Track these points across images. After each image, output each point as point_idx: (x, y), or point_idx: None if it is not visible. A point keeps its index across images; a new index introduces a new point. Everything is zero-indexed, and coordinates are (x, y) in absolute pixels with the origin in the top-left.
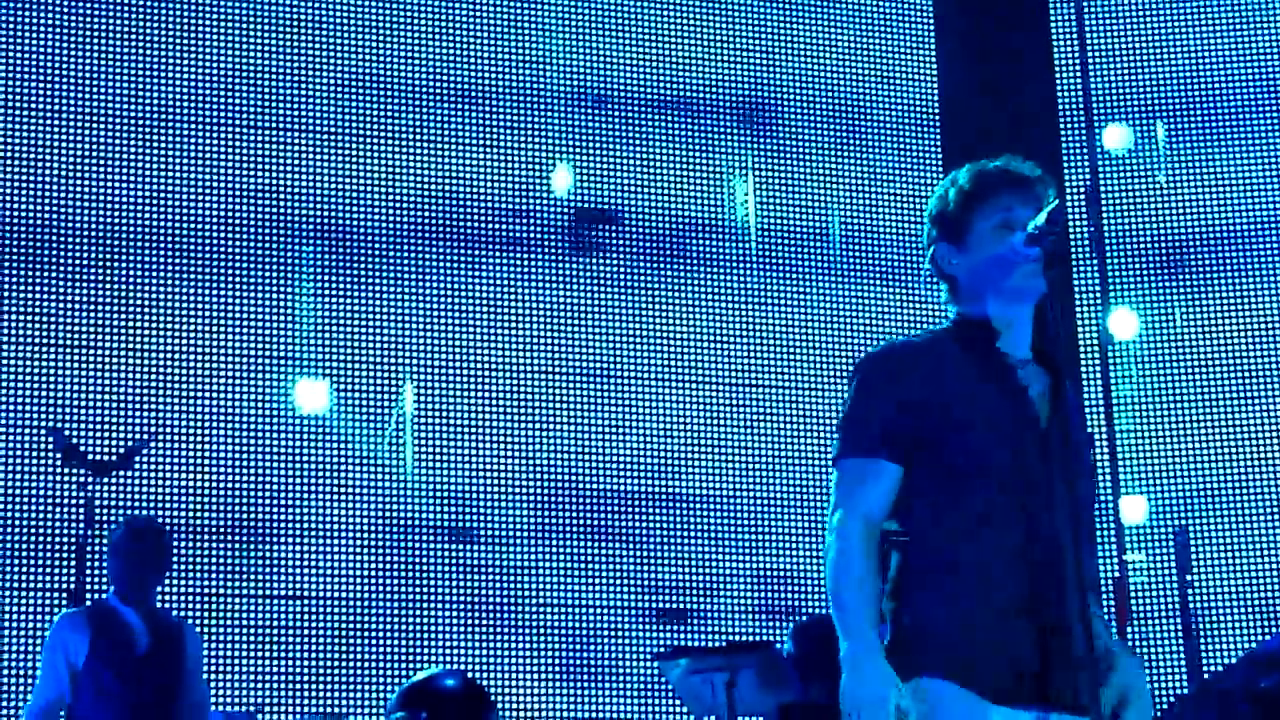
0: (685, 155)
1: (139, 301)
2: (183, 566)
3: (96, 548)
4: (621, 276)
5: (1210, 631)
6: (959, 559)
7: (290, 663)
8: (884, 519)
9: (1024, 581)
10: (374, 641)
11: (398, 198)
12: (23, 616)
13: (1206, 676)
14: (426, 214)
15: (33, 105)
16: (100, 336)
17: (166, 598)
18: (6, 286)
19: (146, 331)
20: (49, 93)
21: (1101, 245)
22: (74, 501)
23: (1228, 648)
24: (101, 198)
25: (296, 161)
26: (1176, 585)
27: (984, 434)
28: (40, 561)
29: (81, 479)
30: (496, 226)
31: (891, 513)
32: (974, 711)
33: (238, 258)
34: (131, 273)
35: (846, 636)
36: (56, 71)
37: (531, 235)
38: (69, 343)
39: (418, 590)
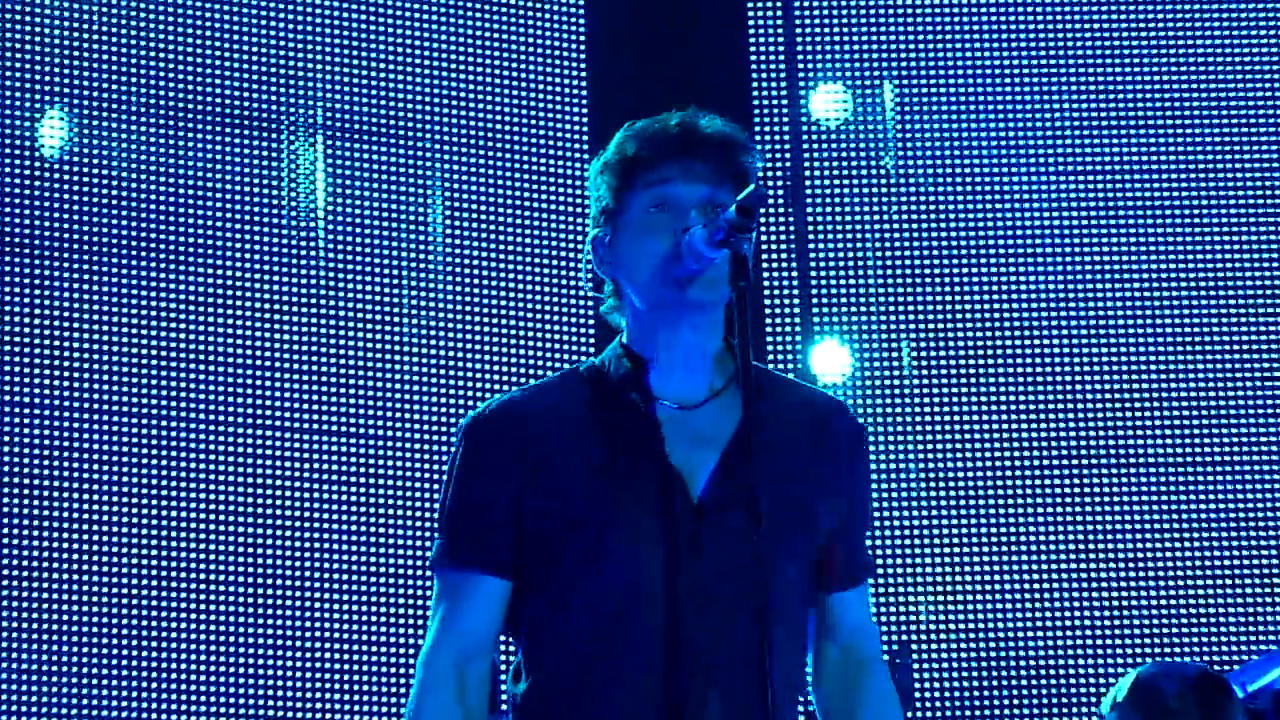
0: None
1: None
2: None
3: None
4: None
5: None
6: (580, 694)
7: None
8: (486, 645)
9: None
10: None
11: None
12: None
13: None
14: None
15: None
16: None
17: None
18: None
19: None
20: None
21: (804, 254)
22: None
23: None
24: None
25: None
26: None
27: (614, 529)
28: None
29: None
30: None
31: (504, 632)
32: None
33: None
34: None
35: None
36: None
37: None
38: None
39: None
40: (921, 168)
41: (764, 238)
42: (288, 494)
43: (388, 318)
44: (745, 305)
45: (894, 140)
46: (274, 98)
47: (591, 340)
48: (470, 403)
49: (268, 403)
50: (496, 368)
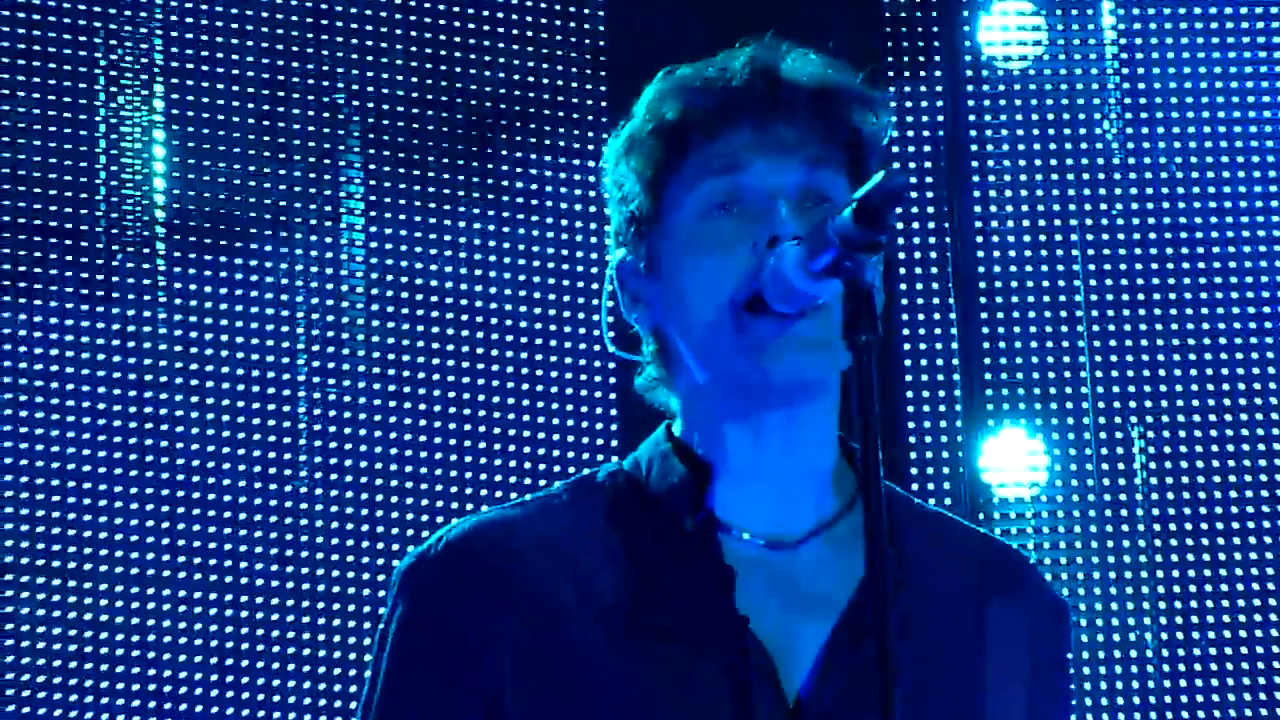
0: None
1: None
2: None
3: None
4: None
5: None
6: None
7: None
8: None
9: None
10: None
11: None
12: None
13: None
14: None
15: None
16: None
17: None
18: None
19: None
20: None
21: (969, 282)
22: None
23: None
24: None
25: None
26: None
27: None
28: None
29: None
30: None
31: None
32: None
33: None
34: None
35: None
36: None
37: None
38: None
39: None
40: (1163, 138)
41: (901, 254)
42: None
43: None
44: (871, 378)
45: (1117, 93)
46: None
47: (613, 432)
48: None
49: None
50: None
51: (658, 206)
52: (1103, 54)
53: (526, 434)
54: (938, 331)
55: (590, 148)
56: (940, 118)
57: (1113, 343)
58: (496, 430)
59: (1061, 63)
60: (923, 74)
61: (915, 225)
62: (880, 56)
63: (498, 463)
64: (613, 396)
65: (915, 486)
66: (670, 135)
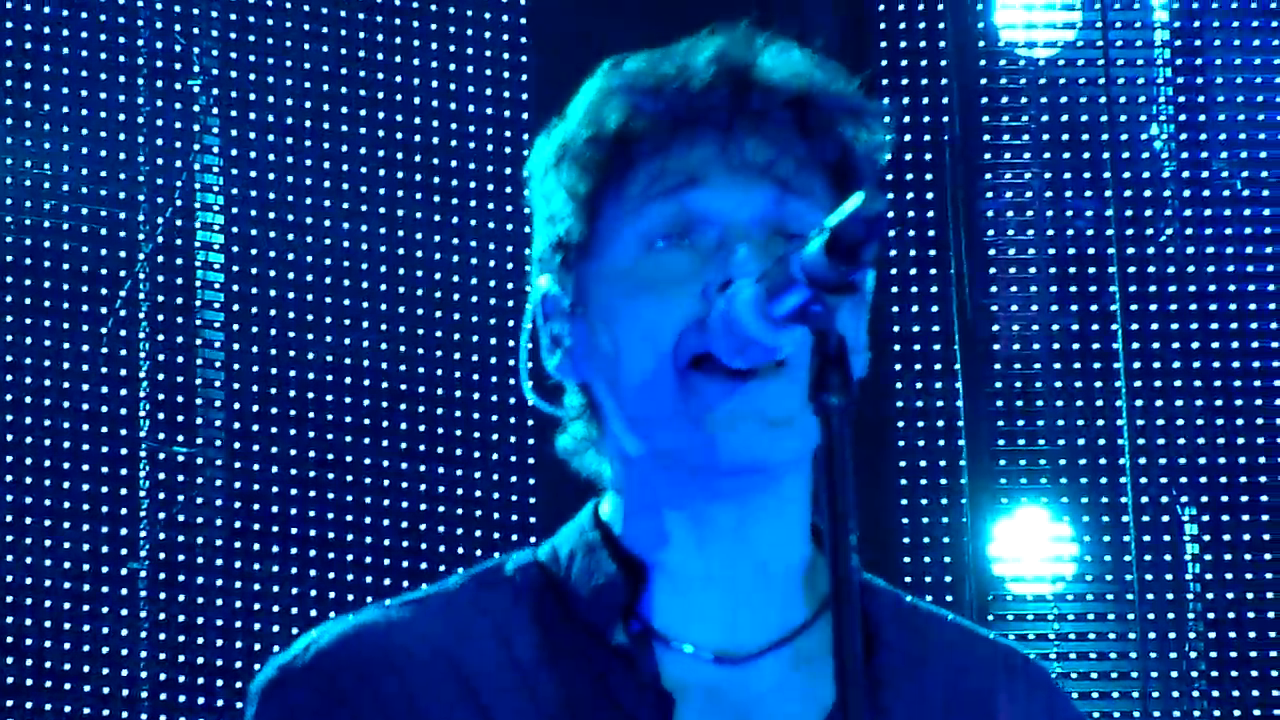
0: None
1: None
2: None
3: None
4: None
5: None
6: None
7: None
8: None
9: None
10: None
11: None
12: None
13: None
14: None
15: None
16: None
17: None
18: None
19: None
20: None
21: (976, 326)
22: None
23: None
24: None
25: None
26: None
27: None
28: None
29: None
30: None
31: None
32: None
33: None
34: None
35: None
36: None
37: None
38: None
39: None
40: (1223, 146)
41: (894, 289)
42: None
43: None
44: (843, 452)
45: (1168, 89)
46: None
47: (530, 505)
48: None
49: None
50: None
51: (592, 232)
52: (1151, 40)
53: (423, 506)
54: (938, 386)
55: (507, 169)
56: (945, 118)
57: (1159, 402)
58: (385, 501)
59: (1099, 51)
60: (924, 65)
61: (911, 253)
62: (871, 45)
63: (385, 542)
64: (531, 461)
65: (908, 580)
66: (611, 146)
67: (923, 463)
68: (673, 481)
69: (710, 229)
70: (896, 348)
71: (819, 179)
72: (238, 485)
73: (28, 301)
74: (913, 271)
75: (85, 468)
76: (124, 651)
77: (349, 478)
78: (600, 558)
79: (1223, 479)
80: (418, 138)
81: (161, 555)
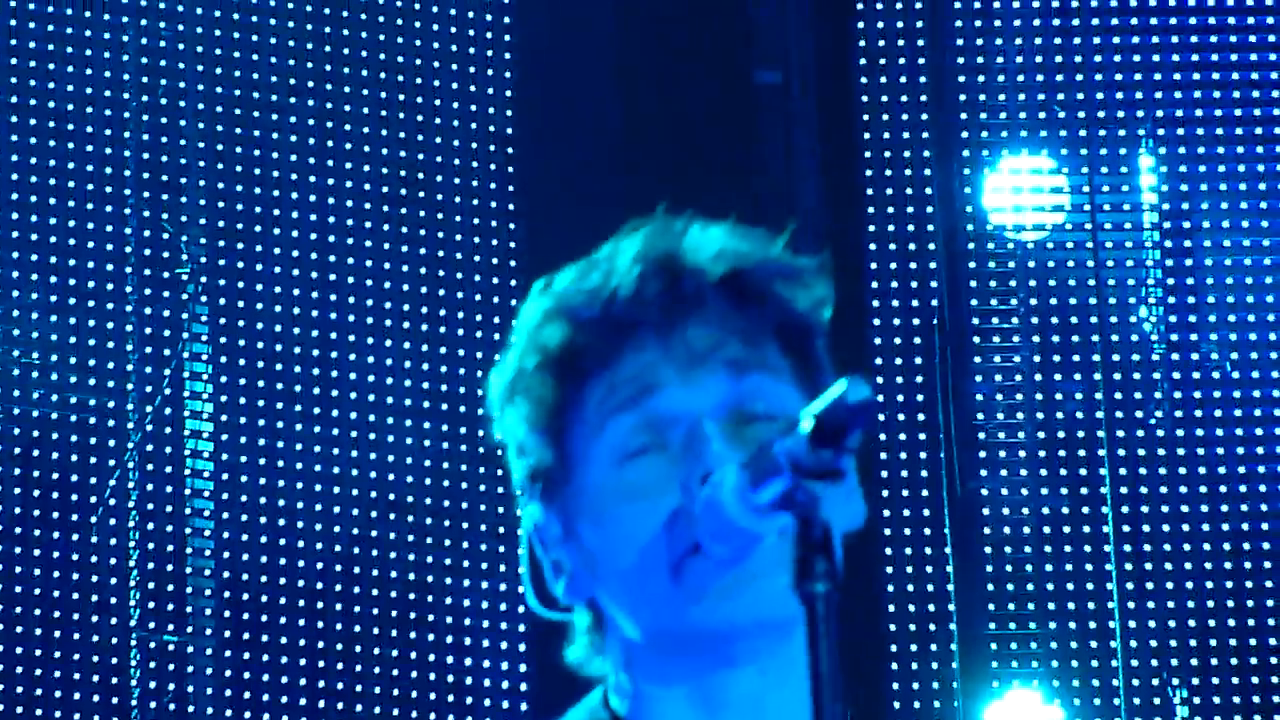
0: None
1: None
2: None
3: None
4: None
5: None
6: None
7: None
8: None
9: None
10: None
11: None
12: None
13: None
14: None
15: None
16: None
17: None
18: None
19: None
20: None
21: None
22: None
23: None
24: None
25: None
26: None
27: None
28: None
29: None
30: None
31: None
32: None
33: None
34: None
35: None
36: None
37: None
38: None
39: None
40: (1215, 328)
41: (883, 456)
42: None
43: None
44: (828, 638)
45: (1155, 271)
46: None
47: (521, 691)
48: None
49: None
50: None
51: (562, 457)
52: (1140, 222)
53: (424, 695)
54: (929, 570)
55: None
56: (934, 301)
57: (1149, 585)
58: (391, 690)
59: (1087, 234)
60: (912, 248)
61: (901, 436)
62: (859, 227)
63: None
64: (522, 648)
65: None
66: (558, 369)
67: (913, 646)
68: (683, 664)
69: (676, 428)
70: (886, 531)
71: (769, 348)
72: (228, 674)
73: (16, 491)
74: (902, 455)
75: (75, 657)
76: None
77: (339, 665)
78: None
79: (1214, 660)
80: (406, 324)
81: None
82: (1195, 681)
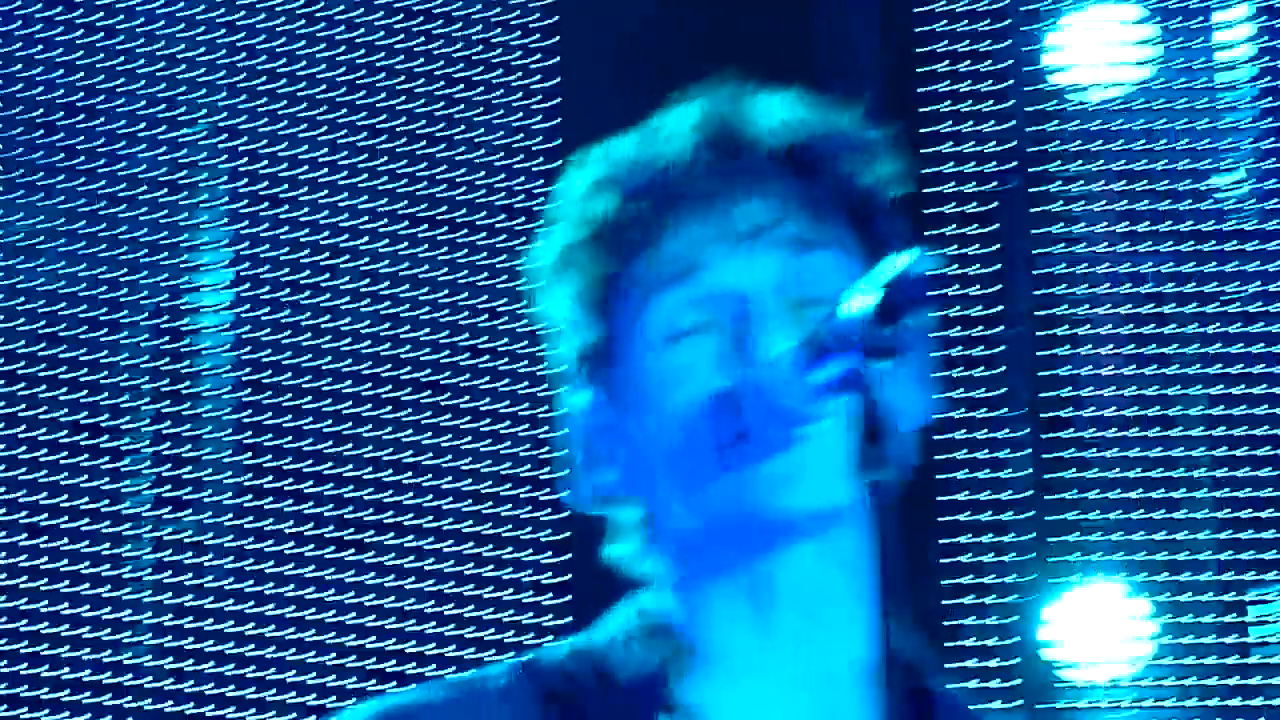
0: None
1: None
2: None
3: None
4: None
5: None
6: None
7: None
8: None
9: None
10: None
11: None
12: None
13: None
14: None
15: None
16: None
17: None
18: None
19: None
20: None
21: (1041, 397)
22: None
23: None
24: None
25: None
26: None
27: None
28: None
29: None
30: None
31: None
32: None
33: None
34: None
35: None
36: None
37: None
38: None
39: None
40: None
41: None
42: None
43: None
44: (890, 532)
45: (1253, 131)
46: None
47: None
48: None
49: None
50: None
51: (610, 337)
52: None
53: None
54: (1004, 455)
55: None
56: (991, 165)
57: (1245, 470)
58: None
59: (1175, 92)
60: (967, 112)
61: (967, 311)
62: (906, 94)
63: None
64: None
65: (950, 667)
66: (608, 242)
67: (984, 537)
68: (737, 551)
69: (726, 307)
70: (955, 416)
71: (834, 226)
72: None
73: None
74: (974, 333)
75: (86, 545)
76: None
77: (365, 556)
78: (644, 646)
79: None
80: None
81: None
82: None
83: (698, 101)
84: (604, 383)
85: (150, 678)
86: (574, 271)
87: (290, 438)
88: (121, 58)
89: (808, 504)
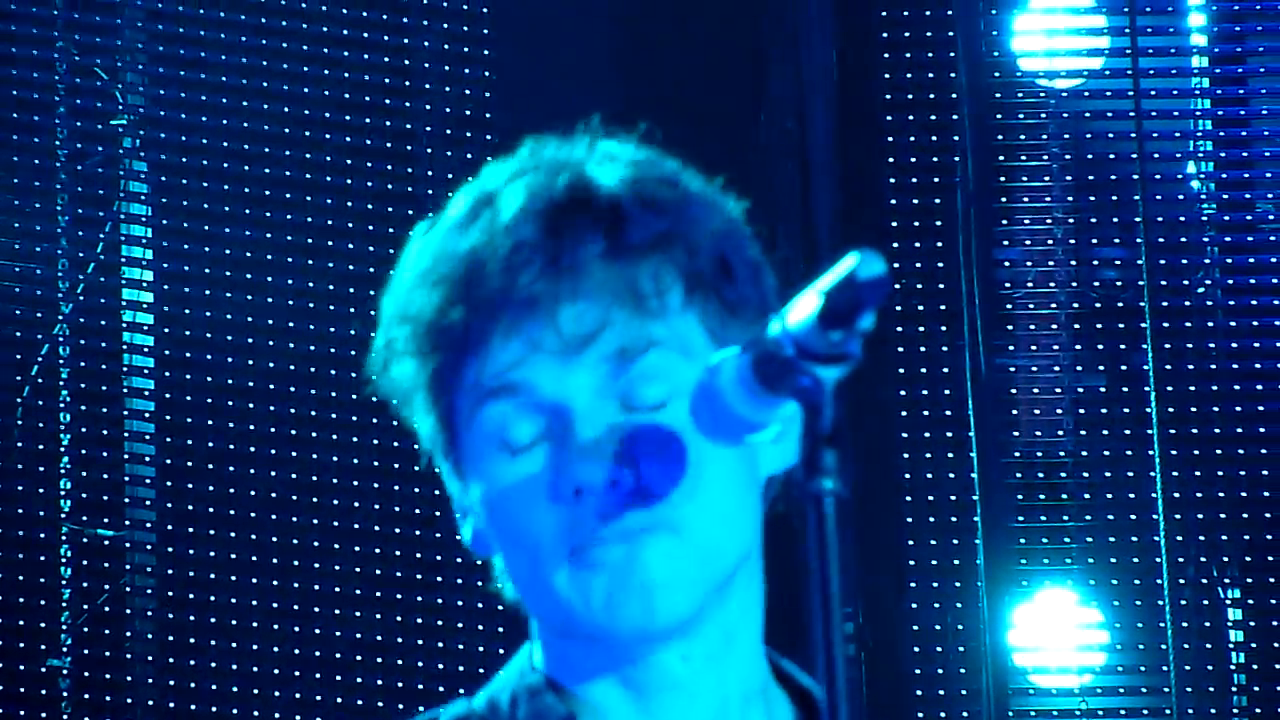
0: None
1: None
2: None
3: None
4: None
5: None
6: None
7: None
8: None
9: None
10: None
11: None
12: None
13: None
14: None
15: None
16: None
17: None
18: None
19: None
20: None
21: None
22: None
23: None
24: None
25: None
26: None
27: None
28: None
29: None
30: None
31: None
32: None
33: None
34: None
35: None
36: None
37: None
38: None
39: None
40: (1270, 185)
41: (898, 346)
42: None
43: None
44: (834, 542)
45: (1204, 123)
46: None
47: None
48: None
49: None
50: None
51: (447, 425)
52: (1188, 67)
53: (369, 592)
54: (950, 456)
55: None
56: (956, 158)
57: (1196, 472)
58: (331, 587)
59: (1129, 80)
60: (931, 98)
61: (919, 307)
62: (875, 78)
63: (335, 633)
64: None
65: (918, 672)
66: (434, 341)
67: (933, 541)
68: (596, 653)
69: (553, 420)
70: (903, 414)
71: (665, 318)
72: (170, 572)
73: None
74: (920, 329)
75: (0, 554)
76: None
77: (295, 562)
78: (546, 702)
79: (1270, 557)
80: (370, 181)
81: (85, 651)
82: (1249, 581)
83: (528, 172)
84: (451, 462)
85: (71, 683)
86: (407, 361)
87: (212, 442)
88: (43, 45)
89: (652, 624)
